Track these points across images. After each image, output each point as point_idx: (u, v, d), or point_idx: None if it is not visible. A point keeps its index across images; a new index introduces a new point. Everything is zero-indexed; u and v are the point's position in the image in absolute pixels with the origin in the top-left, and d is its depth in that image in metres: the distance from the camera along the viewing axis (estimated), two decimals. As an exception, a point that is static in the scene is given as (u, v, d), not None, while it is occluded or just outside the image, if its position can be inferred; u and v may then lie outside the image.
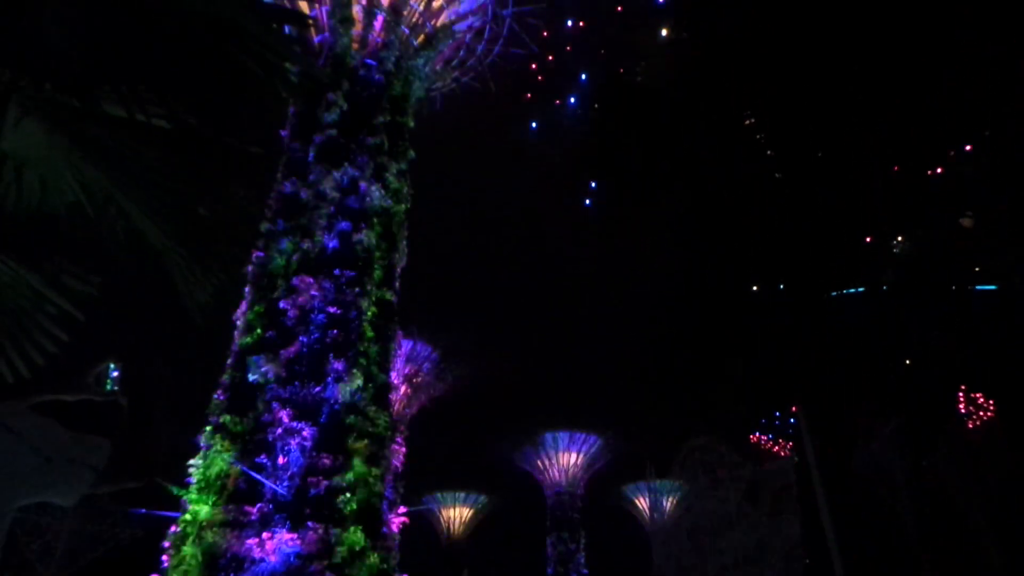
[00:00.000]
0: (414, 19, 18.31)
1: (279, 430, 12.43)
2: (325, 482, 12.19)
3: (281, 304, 13.74)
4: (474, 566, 62.10)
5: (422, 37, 18.76)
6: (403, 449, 14.64)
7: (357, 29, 17.42)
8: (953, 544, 19.96)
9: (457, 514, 62.24)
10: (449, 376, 34.89)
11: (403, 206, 16.51)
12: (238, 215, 3.58)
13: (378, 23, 17.62)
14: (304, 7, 17.63)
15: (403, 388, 30.91)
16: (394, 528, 13.70)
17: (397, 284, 15.69)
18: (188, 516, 11.97)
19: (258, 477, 12.00)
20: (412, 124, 18.16)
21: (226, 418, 12.77)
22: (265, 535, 11.40)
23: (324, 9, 17.31)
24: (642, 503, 58.80)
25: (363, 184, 15.50)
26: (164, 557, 11.90)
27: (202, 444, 12.74)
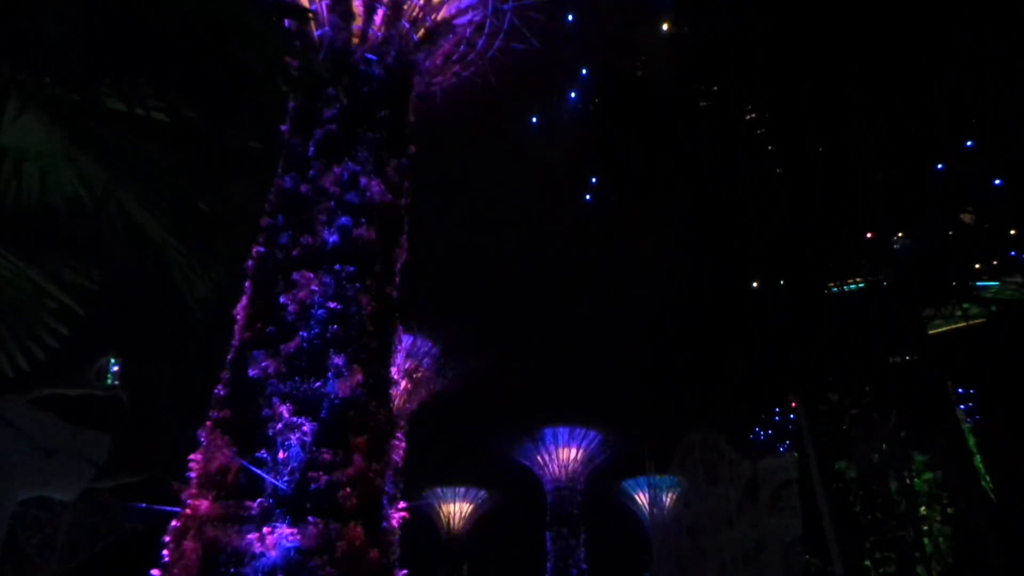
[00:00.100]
0: (414, 14, 18.26)
1: (279, 425, 12.44)
2: (325, 477, 12.21)
3: (281, 299, 13.74)
4: (474, 561, 62.26)
5: (422, 32, 18.72)
6: (403, 444, 14.65)
7: (357, 24, 17.38)
8: (953, 543, 19.98)
9: (457, 509, 62.36)
10: (449, 372, 34.90)
11: (403, 201, 16.50)
12: (238, 210, 3.57)
13: (378, 18, 17.58)
14: (304, 1, 17.60)
15: (403, 383, 30.94)
16: (394, 523, 13.72)
17: (397, 279, 15.67)
18: (189, 511, 12.00)
19: (258, 472, 12.01)
20: (412, 119, 18.14)
21: (226, 413, 12.79)
22: (265, 530, 11.43)
23: (324, 3, 17.27)
24: (642, 499, 58.89)
25: (363, 179, 15.48)
26: (165, 551, 11.93)
27: (202, 439, 12.76)
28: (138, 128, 3.22)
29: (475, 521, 63.35)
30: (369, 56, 17.21)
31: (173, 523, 12.10)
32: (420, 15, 18.41)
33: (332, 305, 13.79)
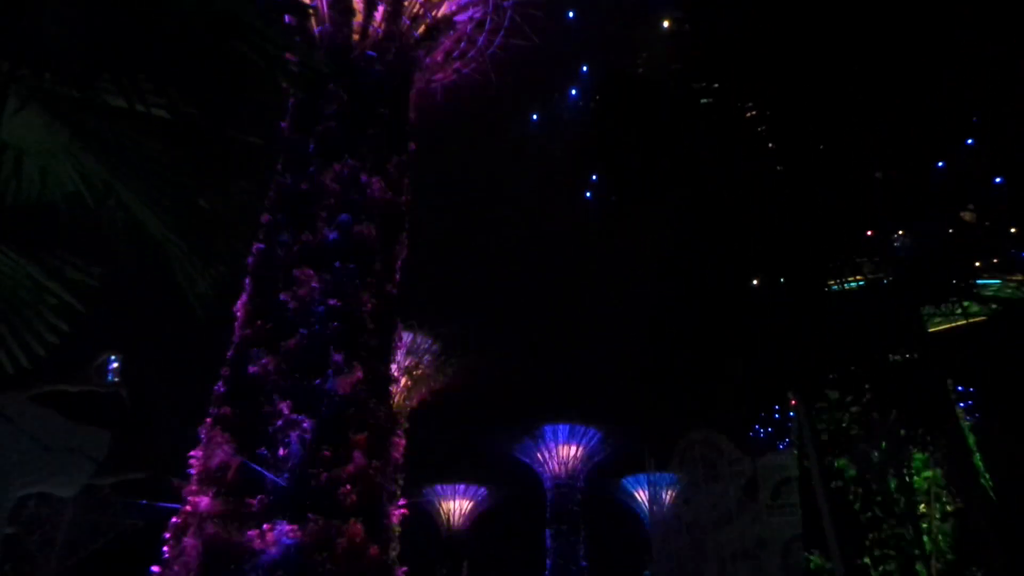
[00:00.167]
0: (415, 10, 18.24)
1: (279, 422, 12.44)
2: (325, 474, 12.22)
3: (281, 296, 13.74)
4: (474, 558, 62.32)
5: (423, 28, 18.69)
6: (403, 441, 14.65)
7: (358, 20, 17.35)
8: (953, 541, 19.99)
9: (457, 506, 62.43)
10: (449, 369, 34.90)
11: (404, 198, 16.48)
12: (238, 207, 3.57)
13: (379, 14, 17.55)
14: (305, -2, 17.55)
15: (403, 380, 30.95)
16: (394, 520, 13.73)
17: (398, 277, 15.67)
18: (189, 507, 12.01)
19: (259, 469, 12.02)
20: (413, 116, 18.12)
21: (226, 410, 12.79)
22: (265, 527, 11.43)
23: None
24: (642, 496, 58.96)
25: (363, 176, 15.47)
26: (165, 548, 11.94)
27: (203, 436, 12.77)
28: (138, 125, 3.21)
29: (475, 518, 63.43)
30: (370, 53, 17.19)
31: (173, 520, 12.11)
32: (421, 11, 18.39)
33: (332, 302, 13.78)
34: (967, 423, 21.55)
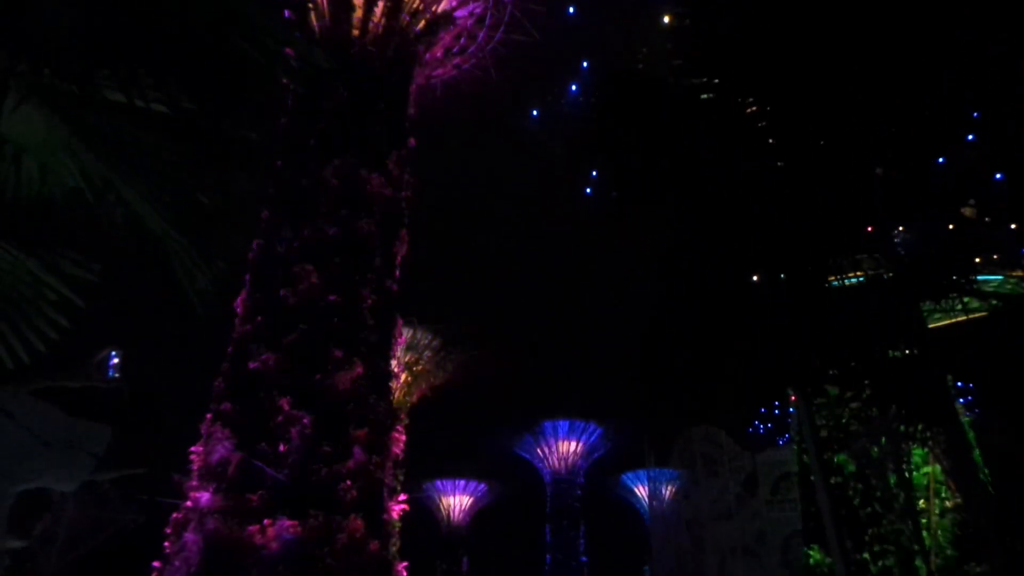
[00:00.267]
0: (415, 5, 18.19)
1: (280, 418, 12.45)
2: (325, 470, 12.24)
3: (281, 292, 13.73)
4: (474, 553, 62.51)
5: (423, 23, 18.65)
6: (403, 437, 14.67)
7: (358, 15, 17.31)
8: (952, 537, 20.04)
9: (457, 502, 62.57)
10: (449, 364, 34.92)
11: (404, 194, 16.46)
12: (238, 202, 3.57)
13: (379, 9, 17.51)
14: (304, -7, 17.51)
15: (403, 376, 30.97)
16: (394, 515, 13.76)
17: (398, 272, 15.66)
18: (189, 503, 12.04)
19: (259, 465, 12.04)
20: (413, 111, 18.09)
21: (226, 406, 12.80)
22: (266, 522, 11.46)
23: (325, -5, 17.19)
24: (641, 492, 59.09)
25: (363, 171, 15.45)
26: (166, 544, 11.97)
27: (203, 431, 12.79)
28: (138, 120, 3.21)
29: (475, 514, 63.57)
30: (369, 48, 17.15)
31: (174, 515, 12.14)
32: (421, 7, 18.34)
33: (332, 298, 13.78)
34: (967, 419, 21.57)
